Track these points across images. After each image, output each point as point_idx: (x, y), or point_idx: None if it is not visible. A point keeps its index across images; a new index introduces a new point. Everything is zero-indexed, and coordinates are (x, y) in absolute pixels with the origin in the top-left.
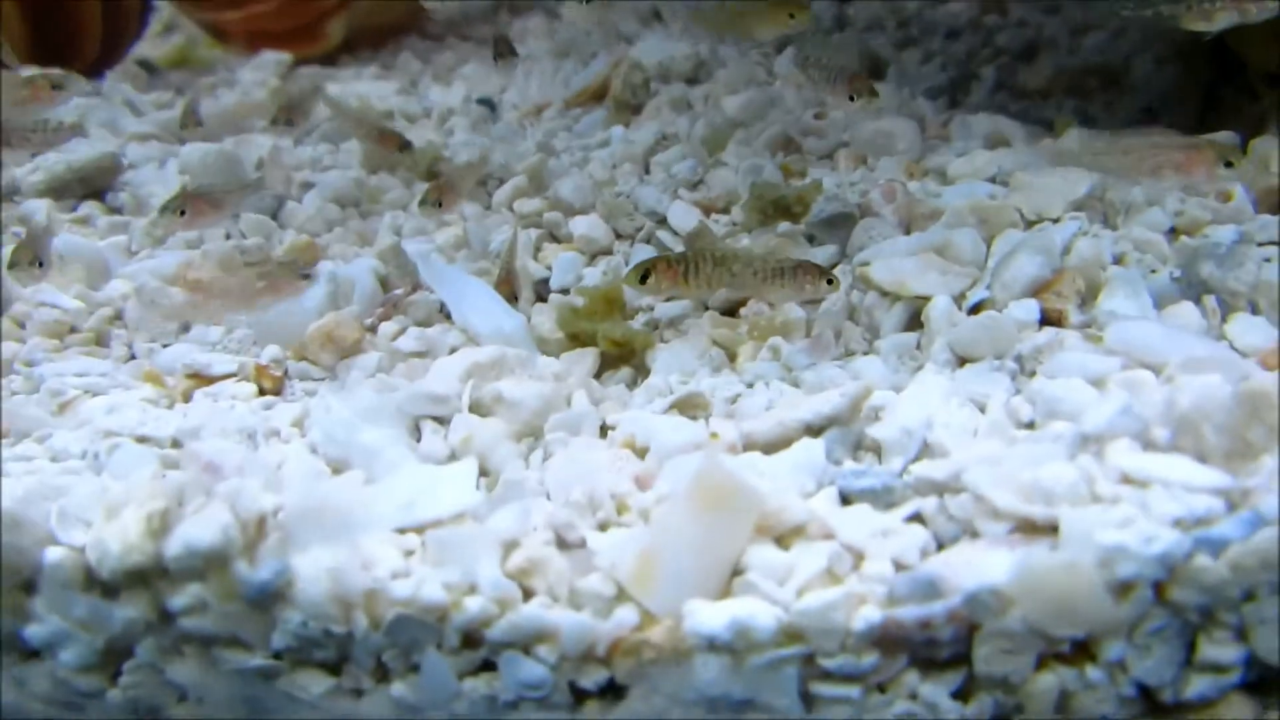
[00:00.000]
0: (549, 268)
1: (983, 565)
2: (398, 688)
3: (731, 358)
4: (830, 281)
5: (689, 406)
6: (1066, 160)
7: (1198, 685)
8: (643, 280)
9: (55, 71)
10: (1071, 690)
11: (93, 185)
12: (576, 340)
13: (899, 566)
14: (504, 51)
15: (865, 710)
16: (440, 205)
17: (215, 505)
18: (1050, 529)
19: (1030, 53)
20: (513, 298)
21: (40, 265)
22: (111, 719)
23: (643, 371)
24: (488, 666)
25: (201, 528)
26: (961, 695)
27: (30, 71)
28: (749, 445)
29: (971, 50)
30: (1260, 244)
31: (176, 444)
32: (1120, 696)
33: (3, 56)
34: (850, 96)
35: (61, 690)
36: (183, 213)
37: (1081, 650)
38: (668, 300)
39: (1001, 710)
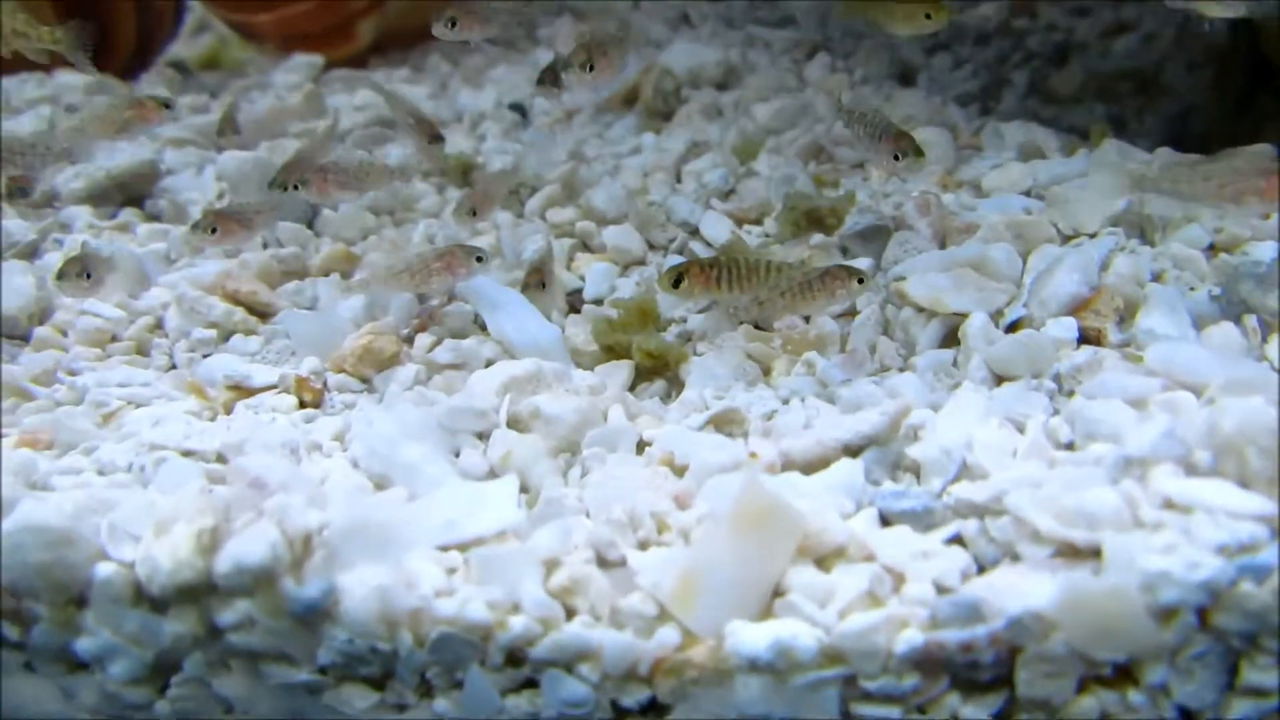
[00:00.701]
0: (582, 278)
1: (1026, 589)
2: (441, 704)
3: (765, 372)
4: (861, 281)
5: (725, 422)
6: (1144, 185)
7: (1239, 709)
8: (675, 284)
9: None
10: (1112, 713)
11: (131, 192)
12: (611, 352)
13: (940, 589)
14: (549, 80)
15: None
16: (475, 214)
17: (263, 522)
18: (1093, 553)
19: (1061, 57)
20: (539, 285)
21: (89, 277)
22: None
23: (676, 384)
24: (530, 684)
25: (250, 545)
26: (1003, 717)
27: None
28: (787, 465)
29: (1002, 55)
30: None
31: (221, 458)
32: (1161, 719)
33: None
34: (895, 156)
35: (110, 702)
36: (214, 230)
37: (1123, 674)
38: (701, 312)
39: None
